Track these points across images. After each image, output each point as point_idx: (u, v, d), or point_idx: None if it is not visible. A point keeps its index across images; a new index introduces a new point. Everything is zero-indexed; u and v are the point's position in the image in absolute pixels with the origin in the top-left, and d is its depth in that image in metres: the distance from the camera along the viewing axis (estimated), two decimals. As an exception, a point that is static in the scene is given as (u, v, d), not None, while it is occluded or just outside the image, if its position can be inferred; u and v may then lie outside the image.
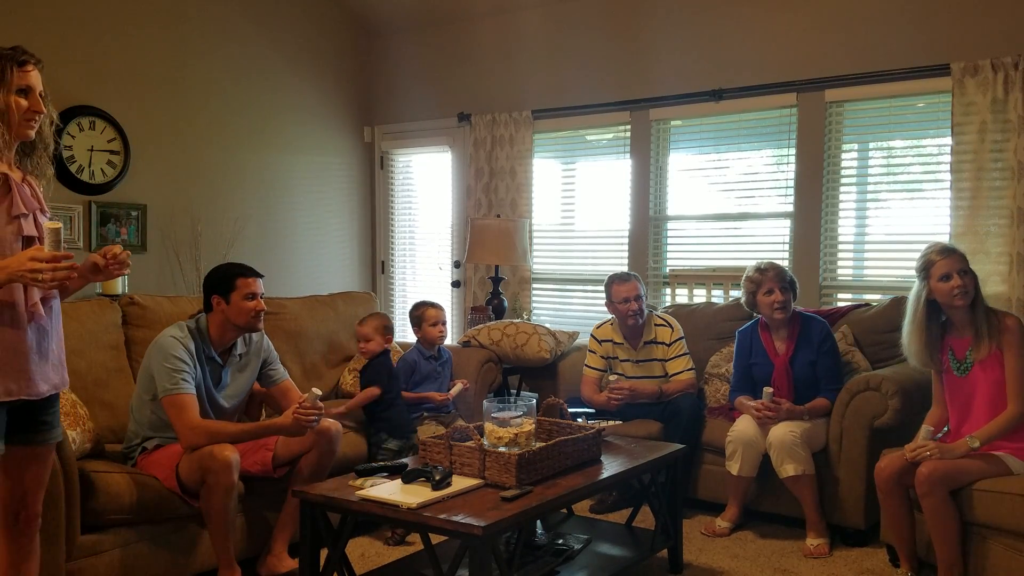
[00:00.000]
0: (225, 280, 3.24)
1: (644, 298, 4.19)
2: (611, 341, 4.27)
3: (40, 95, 2.29)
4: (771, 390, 3.69)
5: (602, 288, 4.30)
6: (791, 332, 3.85)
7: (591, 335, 4.36)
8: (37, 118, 2.28)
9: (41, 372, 2.29)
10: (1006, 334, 3.08)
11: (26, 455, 2.35)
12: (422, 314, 4.21)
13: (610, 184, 5.50)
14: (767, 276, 3.82)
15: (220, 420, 3.22)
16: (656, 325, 4.23)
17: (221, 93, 5.47)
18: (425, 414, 4.07)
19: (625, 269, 5.04)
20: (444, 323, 4.27)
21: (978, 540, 2.97)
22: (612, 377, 4.21)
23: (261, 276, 3.33)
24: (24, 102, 2.24)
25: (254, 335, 3.40)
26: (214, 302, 3.24)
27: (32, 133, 2.29)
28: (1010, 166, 4.10)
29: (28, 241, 2.26)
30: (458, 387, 4.17)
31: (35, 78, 2.27)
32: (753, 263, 3.96)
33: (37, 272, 2.10)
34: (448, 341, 4.52)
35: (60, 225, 2.20)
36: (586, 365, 4.32)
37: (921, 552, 3.16)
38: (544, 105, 5.57)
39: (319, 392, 3.17)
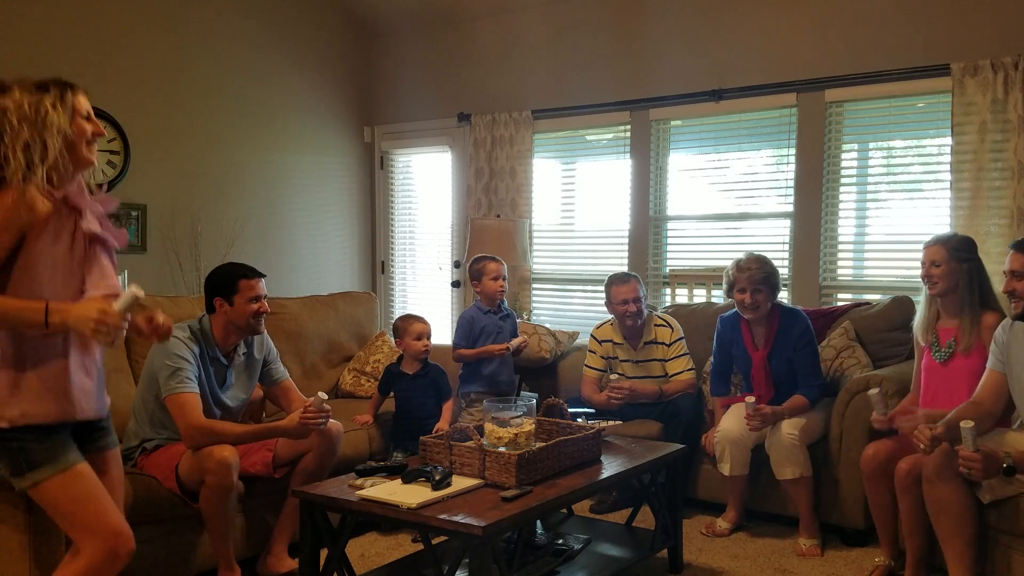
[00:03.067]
0: (228, 282, 3.21)
1: (644, 299, 4.19)
2: (611, 341, 4.27)
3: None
4: (752, 399, 3.59)
5: (602, 288, 4.30)
6: (770, 328, 3.81)
7: (591, 335, 4.36)
8: (97, 141, 2.22)
9: (85, 394, 2.24)
10: (984, 330, 3.18)
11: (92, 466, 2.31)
12: (483, 268, 4.17)
13: (610, 184, 5.50)
14: (742, 276, 3.74)
15: (225, 420, 3.20)
16: (656, 325, 4.23)
17: (221, 93, 5.47)
18: (472, 396, 4.10)
19: (625, 269, 5.04)
20: (505, 278, 4.19)
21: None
22: (613, 376, 4.21)
23: (263, 276, 3.30)
24: (88, 126, 2.19)
25: None
26: (216, 304, 3.21)
27: (95, 159, 2.23)
28: (1010, 166, 4.10)
29: (99, 240, 2.21)
30: (518, 340, 4.15)
31: (87, 102, 2.23)
32: (742, 255, 3.86)
33: (102, 327, 2.02)
34: (448, 341, 4.52)
35: (142, 293, 2.11)
36: (586, 365, 4.32)
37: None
38: (544, 105, 5.57)
39: (325, 396, 3.16)
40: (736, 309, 3.92)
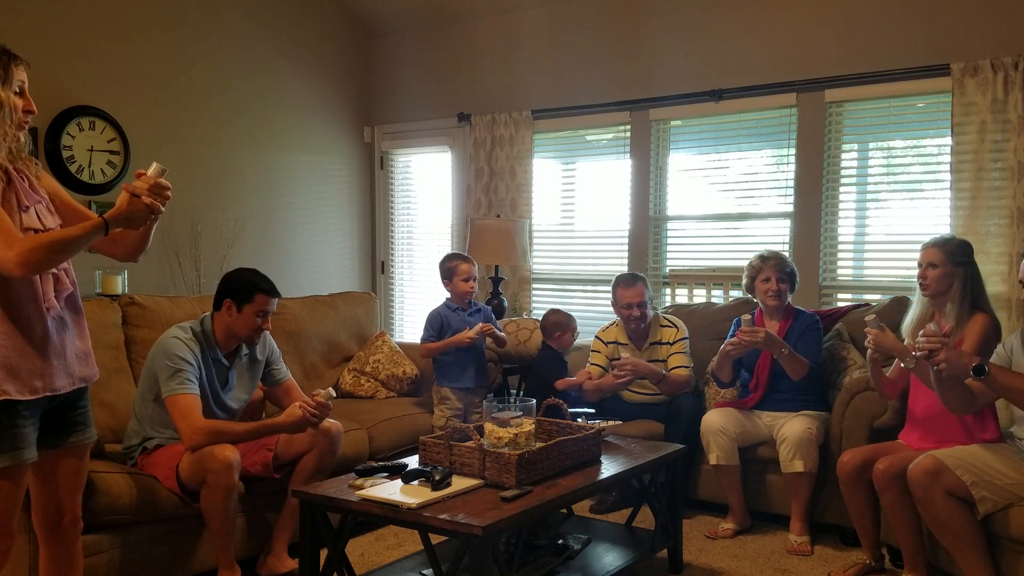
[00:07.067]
0: (245, 290, 3.21)
1: (649, 302, 4.19)
2: (616, 343, 4.27)
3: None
4: (748, 317, 3.79)
5: (602, 288, 4.31)
6: (783, 324, 3.92)
7: (596, 336, 4.36)
8: (29, 118, 2.24)
9: (61, 367, 2.24)
10: (971, 325, 3.18)
11: (59, 458, 2.32)
12: (455, 267, 4.24)
13: (610, 184, 5.49)
14: (767, 264, 3.94)
15: (225, 421, 3.21)
16: (661, 326, 4.24)
17: (221, 93, 5.46)
18: (443, 393, 4.19)
19: (625, 269, 5.02)
20: (475, 279, 4.30)
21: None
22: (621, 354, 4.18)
23: (280, 296, 3.31)
24: (20, 101, 2.20)
25: None
26: (224, 304, 3.22)
27: (23, 134, 2.25)
28: (1010, 166, 4.10)
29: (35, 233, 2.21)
30: (478, 327, 4.14)
31: (25, 77, 2.23)
32: (761, 250, 4.06)
33: (139, 191, 2.21)
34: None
35: (165, 167, 2.28)
36: (589, 363, 4.31)
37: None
38: (544, 105, 5.57)
39: (334, 393, 3.19)
40: (751, 313, 4.00)
